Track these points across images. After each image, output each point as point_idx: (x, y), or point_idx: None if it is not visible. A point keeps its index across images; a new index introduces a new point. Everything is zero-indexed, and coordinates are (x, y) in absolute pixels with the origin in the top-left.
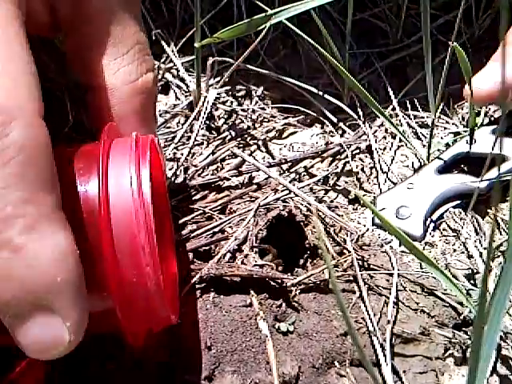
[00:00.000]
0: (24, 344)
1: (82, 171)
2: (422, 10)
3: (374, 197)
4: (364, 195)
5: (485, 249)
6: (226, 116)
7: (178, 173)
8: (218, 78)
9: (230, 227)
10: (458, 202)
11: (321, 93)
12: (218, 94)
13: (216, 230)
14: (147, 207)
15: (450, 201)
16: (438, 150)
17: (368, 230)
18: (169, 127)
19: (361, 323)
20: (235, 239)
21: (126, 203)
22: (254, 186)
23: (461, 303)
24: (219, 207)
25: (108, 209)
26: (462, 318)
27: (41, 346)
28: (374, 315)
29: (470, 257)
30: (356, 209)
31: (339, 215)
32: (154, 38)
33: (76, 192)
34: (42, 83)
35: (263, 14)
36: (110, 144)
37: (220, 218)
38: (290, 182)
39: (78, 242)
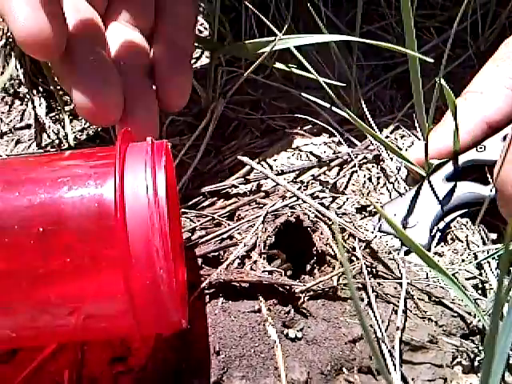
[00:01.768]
0: None
1: (98, 174)
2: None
3: (382, 205)
4: (369, 205)
5: (493, 258)
6: (234, 125)
7: (186, 180)
8: (227, 88)
9: (238, 233)
10: (466, 210)
11: (328, 104)
12: (226, 103)
13: (225, 236)
14: (162, 211)
15: (457, 209)
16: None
17: (376, 236)
18: (178, 135)
19: (369, 330)
20: (244, 245)
21: (141, 207)
22: (262, 193)
23: (468, 313)
24: (228, 213)
25: (124, 212)
26: (469, 327)
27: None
28: (382, 322)
29: (478, 267)
30: (364, 217)
31: (347, 221)
32: None
33: (91, 194)
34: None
35: (267, 39)
36: (126, 148)
37: (229, 225)
38: (297, 189)
39: (92, 244)
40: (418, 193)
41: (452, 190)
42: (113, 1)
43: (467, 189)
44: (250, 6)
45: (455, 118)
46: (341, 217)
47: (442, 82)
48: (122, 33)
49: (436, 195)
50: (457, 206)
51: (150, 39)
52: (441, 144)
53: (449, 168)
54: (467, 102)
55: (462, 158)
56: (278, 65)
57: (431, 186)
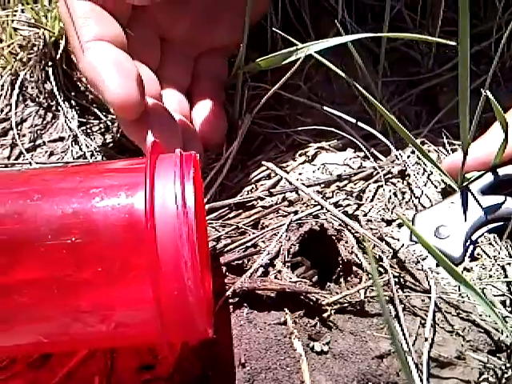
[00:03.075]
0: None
1: (129, 186)
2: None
3: (414, 214)
4: (397, 218)
5: None
6: (260, 139)
7: (213, 193)
8: (253, 103)
9: (262, 242)
10: (500, 224)
11: (353, 119)
12: (252, 117)
13: (249, 244)
14: (191, 223)
15: (491, 223)
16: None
17: (403, 245)
18: (206, 149)
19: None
20: (268, 253)
21: (170, 218)
22: (286, 202)
23: (496, 329)
24: (252, 222)
25: (153, 223)
26: (496, 343)
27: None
28: (410, 336)
29: (506, 283)
30: (389, 224)
31: (372, 229)
32: None
33: (122, 205)
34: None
35: (293, 48)
36: (156, 160)
37: (253, 233)
38: (322, 197)
39: (122, 254)
40: (451, 204)
41: (487, 204)
42: (163, 65)
43: (502, 203)
44: (276, 30)
45: (505, 130)
46: (366, 224)
47: (489, 95)
48: (171, 93)
49: (470, 208)
50: (491, 220)
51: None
52: (482, 155)
53: (484, 181)
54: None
55: (499, 172)
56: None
57: (466, 198)
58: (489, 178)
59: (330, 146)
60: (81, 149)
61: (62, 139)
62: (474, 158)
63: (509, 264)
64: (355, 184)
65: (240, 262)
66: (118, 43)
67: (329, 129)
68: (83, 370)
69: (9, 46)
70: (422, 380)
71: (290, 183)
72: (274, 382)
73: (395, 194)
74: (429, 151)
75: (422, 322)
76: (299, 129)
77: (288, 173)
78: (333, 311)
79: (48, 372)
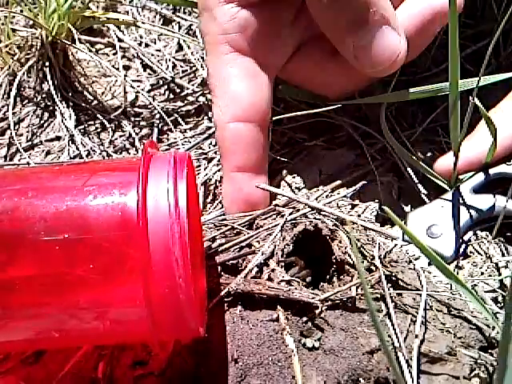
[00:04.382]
0: (364, 54)
1: (122, 184)
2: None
3: (406, 213)
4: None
5: None
6: None
7: (209, 192)
8: None
9: (257, 242)
10: (492, 223)
11: (349, 117)
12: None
13: (243, 244)
14: (183, 221)
15: (483, 222)
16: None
17: (396, 245)
18: (201, 148)
19: (387, 341)
20: (262, 254)
21: (162, 217)
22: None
23: (487, 325)
24: (247, 222)
25: (146, 221)
26: (487, 340)
27: (378, 58)
28: (401, 333)
29: (498, 280)
30: (383, 225)
31: (366, 228)
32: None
33: (115, 203)
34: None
35: None
36: (150, 159)
37: (248, 233)
38: (316, 198)
39: (114, 252)
40: (443, 203)
41: (479, 203)
42: None
43: (494, 202)
44: None
45: (494, 135)
46: (360, 224)
47: (476, 100)
48: None
49: (462, 207)
50: (483, 219)
51: None
52: (471, 155)
53: (476, 180)
54: (503, 114)
55: (491, 171)
56: None
57: (458, 197)
58: (480, 177)
59: (326, 144)
60: (77, 148)
61: (58, 138)
62: (464, 159)
63: (500, 261)
64: (350, 182)
65: (235, 261)
66: (259, 170)
67: (324, 130)
68: (77, 366)
69: (7, 47)
70: (411, 375)
71: (289, 198)
72: (265, 377)
73: (390, 193)
74: (424, 150)
75: (413, 319)
76: (295, 127)
77: (283, 170)
78: (324, 308)
79: (41, 368)
